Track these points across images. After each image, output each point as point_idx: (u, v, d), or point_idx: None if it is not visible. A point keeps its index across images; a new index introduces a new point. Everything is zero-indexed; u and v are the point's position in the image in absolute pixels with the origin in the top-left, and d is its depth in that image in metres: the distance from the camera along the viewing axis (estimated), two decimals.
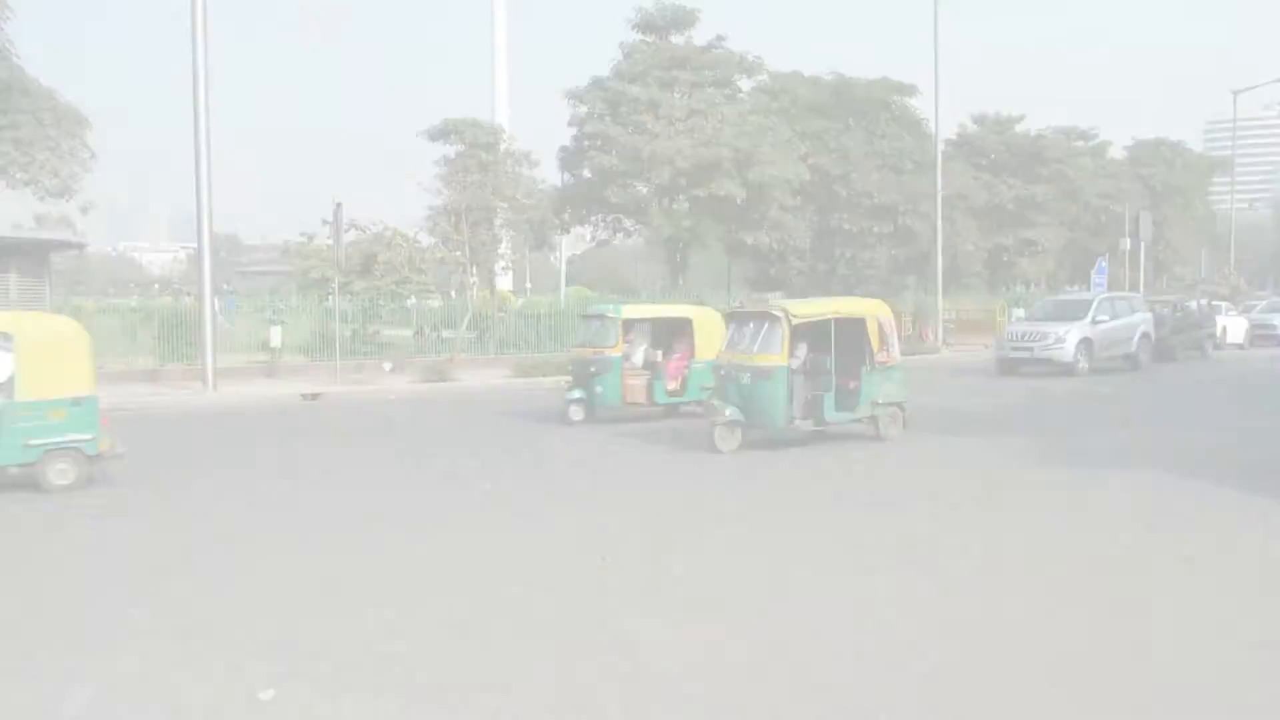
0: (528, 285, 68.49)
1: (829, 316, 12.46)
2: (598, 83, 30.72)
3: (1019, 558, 7.14)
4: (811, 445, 12.40)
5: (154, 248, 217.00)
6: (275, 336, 24.79)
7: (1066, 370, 22.15)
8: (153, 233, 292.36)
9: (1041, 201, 44.85)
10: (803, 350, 12.24)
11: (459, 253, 27.23)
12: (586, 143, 31.00)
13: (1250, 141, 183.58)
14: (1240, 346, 31.63)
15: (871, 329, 12.50)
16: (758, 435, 12.21)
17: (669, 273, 34.94)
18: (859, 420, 12.66)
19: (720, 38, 31.38)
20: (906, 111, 35.97)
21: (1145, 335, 24.12)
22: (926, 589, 6.29)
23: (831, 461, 11.67)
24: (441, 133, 30.83)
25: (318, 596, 6.30)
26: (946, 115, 33.20)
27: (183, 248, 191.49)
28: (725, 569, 6.89)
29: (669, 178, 28.88)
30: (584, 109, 30.89)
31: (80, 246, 53.59)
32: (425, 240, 28.08)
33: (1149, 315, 24.52)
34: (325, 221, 25.60)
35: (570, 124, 31.49)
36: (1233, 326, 31.69)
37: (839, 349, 12.37)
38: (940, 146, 32.88)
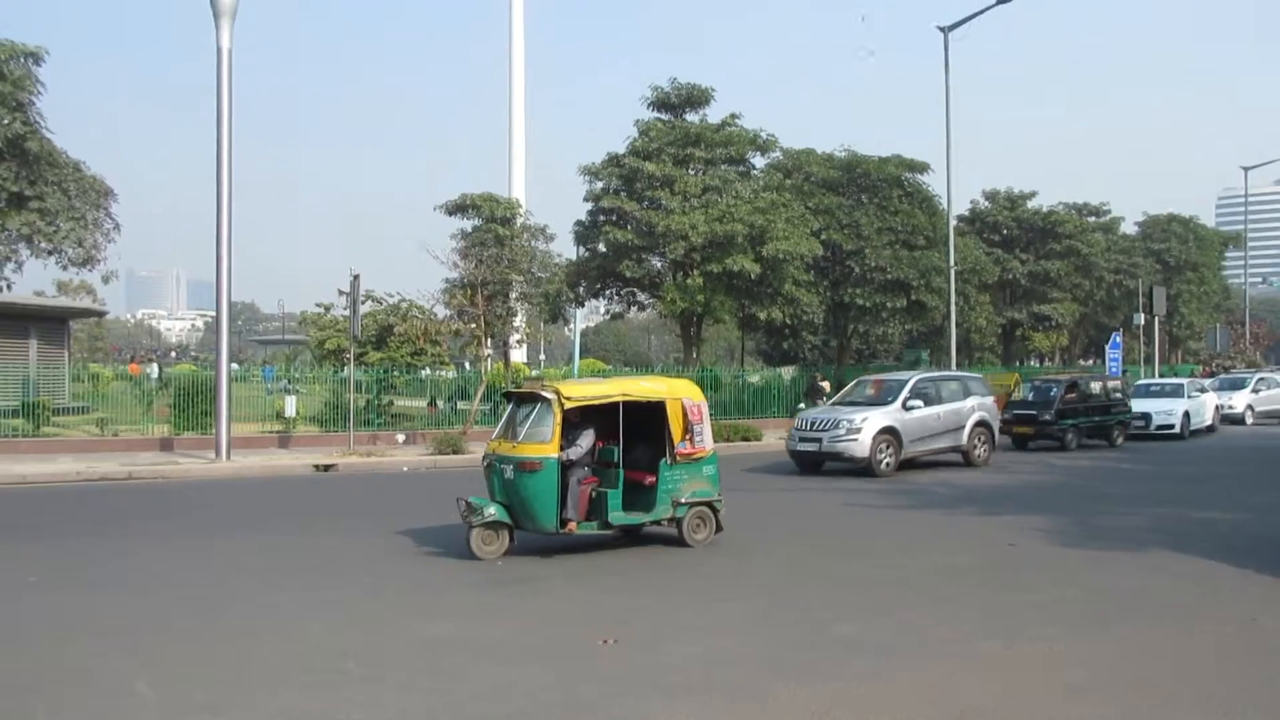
0: (541, 357, 68.85)
1: (614, 399, 10.57)
2: (613, 159, 31.16)
3: None
4: (591, 553, 10.55)
5: (172, 315, 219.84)
6: (290, 406, 24.94)
7: (864, 469, 18.37)
8: (171, 300, 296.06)
9: (1054, 276, 44.98)
10: (587, 439, 10.48)
11: (474, 325, 27.42)
12: (602, 218, 31.35)
13: (1262, 216, 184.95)
14: (1210, 428, 29.37)
15: (672, 414, 10.61)
16: (534, 539, 10.59)
17: (682, 346, 35.02)
18: (658, 522, 10.80)
19: (734, 116, 31.87)
20: (919, 188, 36.29)
21: (982, 424, 20.37)
22: None
23: (603, 578, 9.43)
24: (459, 207, 31.30)
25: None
26: (958, 192, 33.60)
27: (200, 315, 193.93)
28: None
29: (683, 252, 29.12)
30: (600, 185, 31.29)
31: (100, 314, 54.54)
32: (441, 312, 28.31)
33: (989, 400, 21.03)
34: (342, 292, 25.90)
35: (586, 199, 31.91)
36: (1196, 406, 28.85)
37: (635, 437, 10.83)
38: (953, 222, 33.12)
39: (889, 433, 18.69)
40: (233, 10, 20.31)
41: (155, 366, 52.91)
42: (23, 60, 21.88)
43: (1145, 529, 12.02)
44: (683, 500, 10.70)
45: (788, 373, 37.78)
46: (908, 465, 19.35)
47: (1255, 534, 11.65)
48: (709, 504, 10.92)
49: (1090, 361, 61.36)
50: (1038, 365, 56.89)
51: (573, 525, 10.22)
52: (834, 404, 21.02)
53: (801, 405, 30.24)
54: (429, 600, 8.57)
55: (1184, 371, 48.31)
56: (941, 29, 30.53)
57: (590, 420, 10.59)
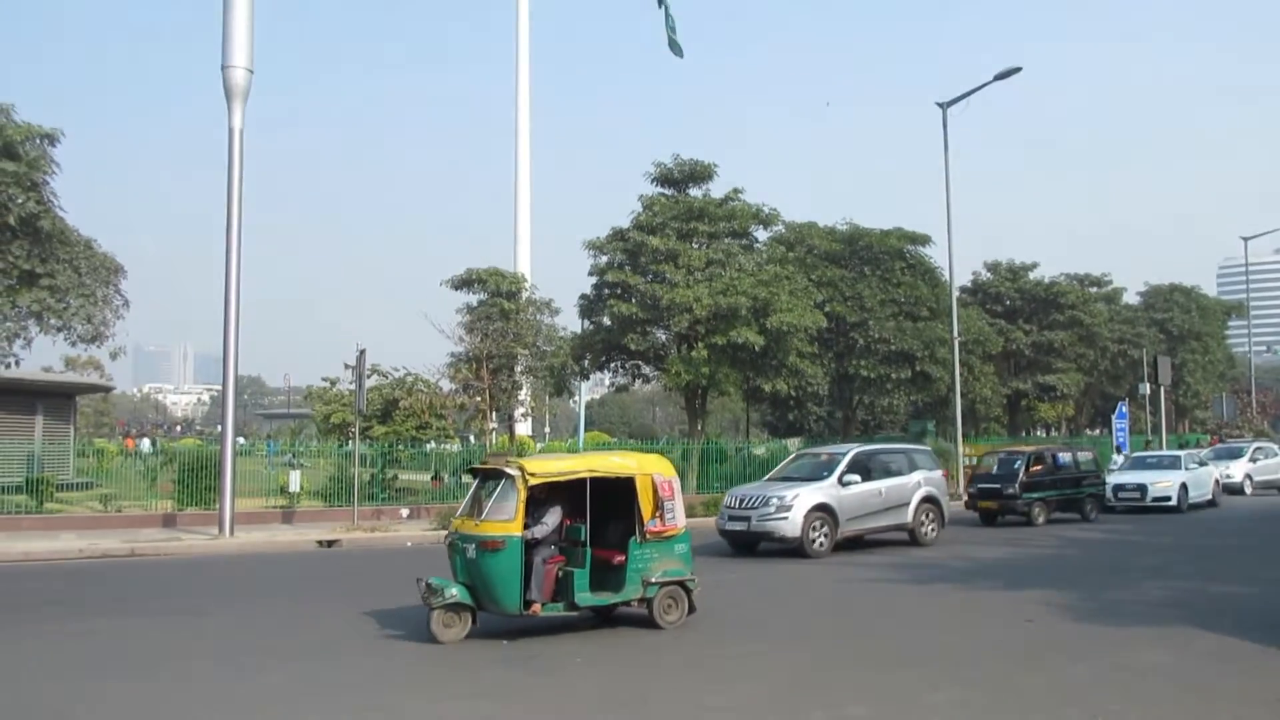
0: (547, 430, 68.74)
1: (581, 475, 10.17)
2: (618, 233, 31.46)
3: None
4: (558, 635, 10.15)
5: (178, 389, 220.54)
6: (294, 481, 24.84)
7: (796, 549, 17.09)
8: (178, 374, 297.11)
9: (1058, 347, 45.05)
10: (553, 516, 10.14)
11: (479, 399, 27.44)
12: (606, 291, 31.55)
13: (1264, 285, 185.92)
14: (1210, 502, 27.80)
15: (642, 490, 10.27)
16: (497, 621, 10.17)
17: (687, 418, 34.97)
18: (627, 603, 10.40)
19: (737, 190, 32.24)
20: (921, 260, 36.58)
21: (929, 500, 19.06)
22: None
23: (564, 668, 8.84)
24: (465, 282, 31.55)
25: None
26: (960, 263, 33.78)
27: (206, 389, 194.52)
28: None
29: (687, 325, 29.24)
30: (604, 259, 31.56)
31: (107, 390, 54.74)
32: (446, 386, 28.38)
33: (936, 474, 19.73)
34: (348, 366, 26.00)
35: (591, 273, 32.14)
36: (1194, 478, 27.44)
37: (604, 515, 10.46)
38: (955, 294, 33.30)
39: (823, 510, 17.45)
40: (245, 92, 20.74)
41: (147, 441, 52.99)
42: (38, 141, 22.30)
43: (1160, 603, 11.85)
44: (653, 580, 10.28)
45: (793, 444, 37.66)
46: (851, 545, 18.24)
47: (1268, 608, 11.47)
48: (681, 583, 10.52)
49: (1097, 432, 61.11)
50: (1044, 435, 56.63)
51: (537, 607, 9.81)
52: (769, 479, 19.86)
53: None
54: (440, 678, 8.44)
55: (1191, 441, 48.06)
56: (940, 105, 31.07)
57: (557, 497, 10.24)
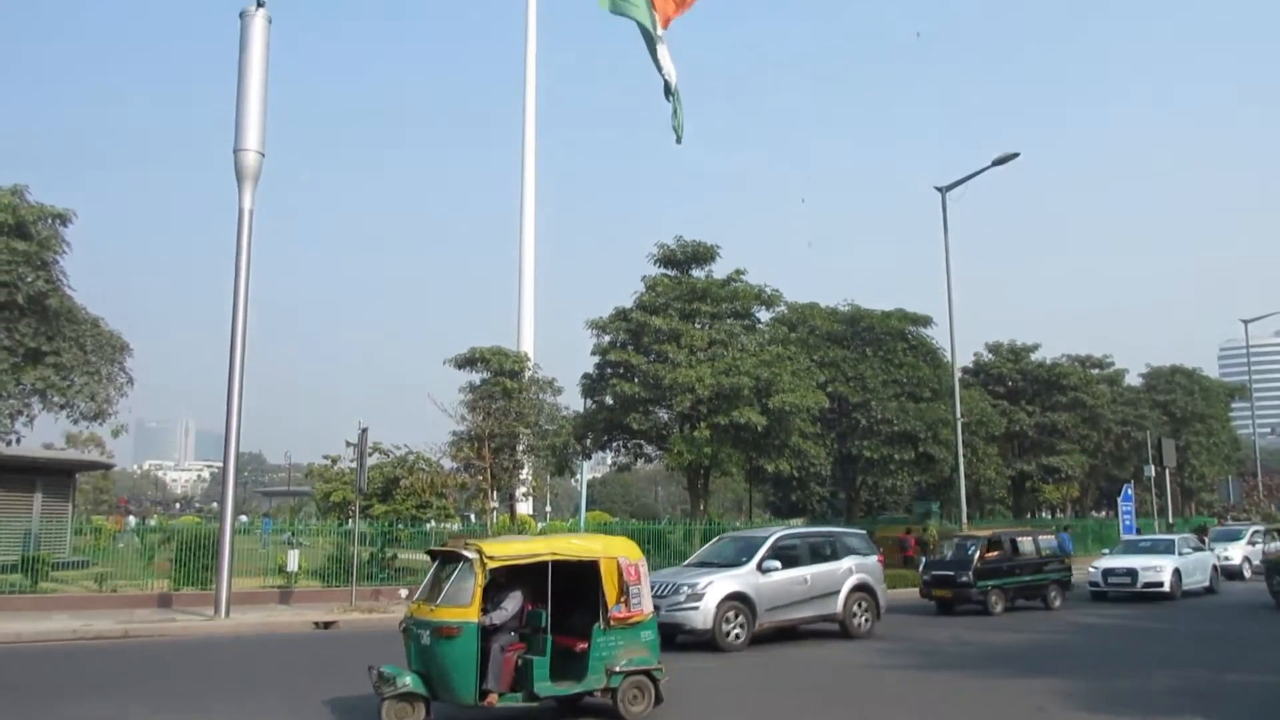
0: (548, 510, 68.29)
1: (543, 558, 9.78)
2: (621, 313, 31.71)
3: None
4: None
5: (179, 466, 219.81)
6: (293, 560, 24.59)
7: (708, 642, 15.69)
8: (179, 451, 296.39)
9: (1062, 428, 44.94)
10: (513, 602, 9.76)
11: (480, 478, 27.32)
12: (609, 370, 31.68)
13: (1265, 367, 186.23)
14: (1209, 589, 26.80)
15: (606, 574, 9.91)
16: (453, 712, 9.72)
17: (689, 498, 34.76)
18: (591, 693, 9.94)
19: (739, 272, 32.59)
20: (922, 341, 36.77)
21: (861, 589, 17.74)
22: None
23: None
24: (468, 361, 31.66)
25: None
26: (961, 344, 33.94)
27: (207, 466, 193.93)
28: None
29: (690, 405, 29.27)
30: (607, 339, 31.76)
31: (107, 467, 54.55)
32: (447, 465, 28.26)
33: (870, 560, 18.45)
34: (349, 444, 25.91)
35: (593, 353, 32.32)
36: (1189, 564, 26.36)
37: (567, 600, 10.05)
38: (957, 374, 33.37)
39: (738, 600, 15.99)
40: (256, 174, 21.09)
41: (132, 519, 52.74)
42: (50, 221, 22.63)
43: None
44: (618, 669, 9.81)
45: (796, 525, 37.36)
46: (778, 637, 16.97)
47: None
48: (647, 672, 10.02)
49: (1103, 514, 60.64)
50: (1049, 517, 56.17)
51: (493, 698, 9.35)
52: (686, 564, 18.87)
53: None
54: None
55: (1197, 524, 47.63)
56: (939, 189, 31.52)
57: (518, 581, 9.83)
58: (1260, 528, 36.05)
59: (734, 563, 16.92)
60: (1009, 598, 22.52)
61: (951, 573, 22.21)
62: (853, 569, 17.88)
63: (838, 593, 17.48)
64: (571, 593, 10.09)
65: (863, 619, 17.71)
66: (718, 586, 16.05)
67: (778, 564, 16.84)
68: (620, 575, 9.98)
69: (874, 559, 18.70)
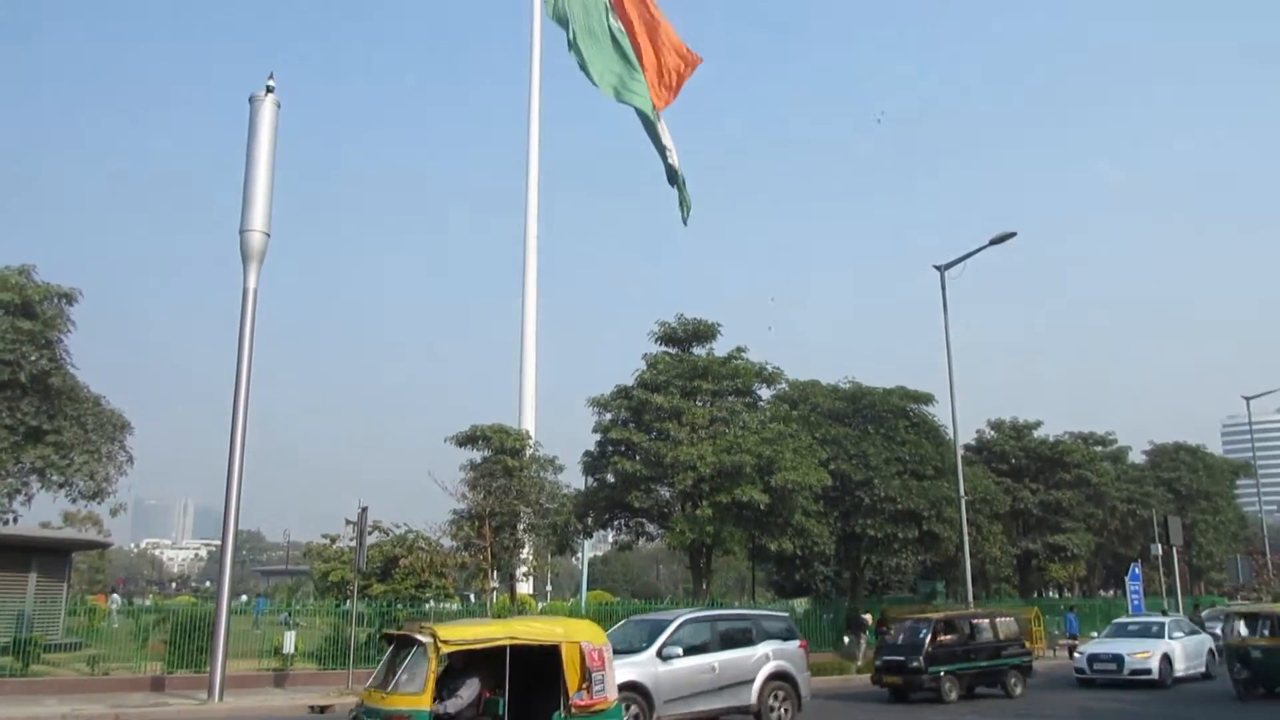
0: (548, 589, 67.41)
1: (501, 642, 9.32)
2: (622, 391, 31.75)
3: None
4: None
5: (176, 544, 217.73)
6: (289, 642, 24.24)
7: None
8: (177, 529, 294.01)
9: (1066, 506, 44.59)
10: (469, 689, 9.35)
11: (480, 557, 27.06)
12: (610, 448, 31.59)
13: (1269, 444, 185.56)
14: (1205, 675, 25.51)
15: (568, 659, 9.50)
16: None
17: (692, 577, 34.37)
18: None
19: (740, 349, 32.72)
20: (924, 418, 36.71)
21: (779, 677, 16.66)
22: None
23: None
24: (469, 439, 31.59)
25: None
26: (963, 421, 33.90)
27: (204, 544, 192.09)
28: None
29: (691, 483, 29.12)
30: (608, 416, 31.74)
31: (104, 546, 54.01)
32: (447, 543, 28.01)
33: (790, 646, 17.31)
34: (349, 522, 25.73)
35: (595, 430, 32.26)
36: (1181, 648, 25.03)
37: (526, 686, 9.60)
38: (960, 452, 33.23)
39: (633, 690, 14.61)
40: (261, 254, 21.35)
41: (116, 597, 52.10)
42: (56, 300, 22.86)
43: None
44: None
45: (801, 605, 36.82)
46: None
47: None
48: None
49: (1111, 593, 59.83)
50: (1056, 597, 55.43)
51: None
52: None
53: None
54: None
55: (1206, 603, 46.98)
56: (938, 268, 31.79)
57: (476, 667, 9.42)
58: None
59: (633, 649, 15.52)
60: (965, 684, 21.51)
61: (902, 658, 21.20)
62: (769, 655, 16.75)
63: (751, 682, 16.31)
64: (533, 679, 9.66)
65: (781, 710, 16.56)
66: (618, 675, 15.07)
67: (679, 650, 15.61)
68: (583, 661, 9.55)
69: (795, 645, 17.55)
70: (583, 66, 37.93)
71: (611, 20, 39.06)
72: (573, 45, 37.86)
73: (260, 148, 21.33)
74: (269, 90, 21.40)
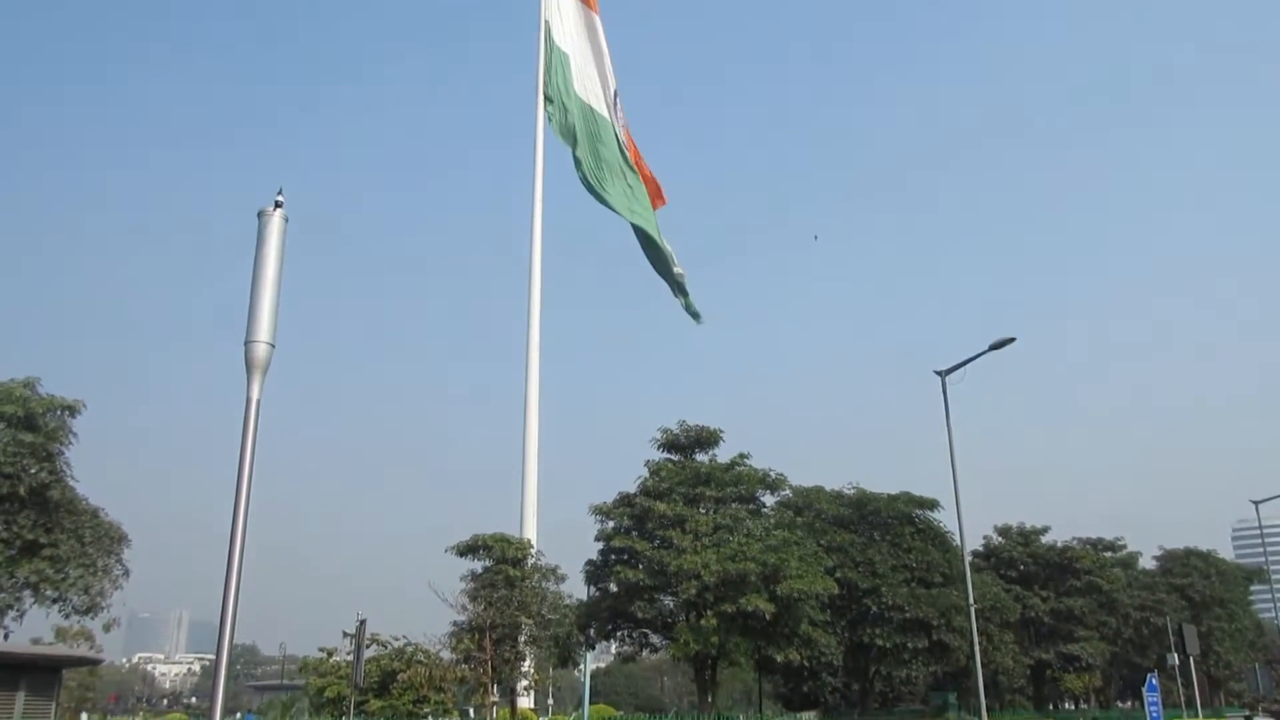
0: (550, 703, 65.66)
1: None
2: (625, 499, 31.52)
3: None
4: None
5: (169, 659, 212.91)
6: None
7: None
8: (171, 643, 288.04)
9: (1078, 614, 43.76)
10: None
11: (481, 670, 26.42)
12: (613, 557, 31.20)
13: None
14: None
15: None
16: None
17: (696, 689, 33.49)
18: None
19: (743, 455, 32.58)
20: (930, 524, 36.35)
21: None
22: None
23: None
24: (470, 548, 31.21)
25: None
26: (970, 527, 33.50)
27: (198, 659, 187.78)
28: None
29: (695, 592, 28.65)
30: (611, 524, 31.43)
31: (96, 663, 52.71)
32: (447, 656, 27.38)
33: None
34: (346, 635, 25.24)
35: (597, 539, 31.92)
36: None
37: None
38: (968, 558, 32.79)
39: None
40: (265, 365, 21.31)
41: (85, 716, 50.72)
42: (59, 413, 22.90)
43: None
44: None
45: (809, 719, 35.82)
46: None
47: None
48: None
49: (1128, 705, 58.17)
50: (1072, 709, 53.90)
51: None
52: None
53: None
54: None
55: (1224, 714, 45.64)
56: (939, 373, 31.87)
57: None
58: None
59: None
60: None
61: None
62: None
63: None
64: None
65: None
66: None
67: None
68: None
69: None
70: (590, 186, 38.45)
71: (619, 131, 40.02)
72: (580, 163, 38.49)
73: (268, 260, 21.52)
74: (278, 205, 21.86)
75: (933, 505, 36.47)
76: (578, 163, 38.53)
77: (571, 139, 38.38)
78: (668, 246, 40.54)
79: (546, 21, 38.09)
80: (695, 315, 42.16)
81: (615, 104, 40.79)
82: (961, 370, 31.77)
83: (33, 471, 21.69)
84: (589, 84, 39.89)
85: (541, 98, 36.92)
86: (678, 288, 40.97)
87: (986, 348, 30.64)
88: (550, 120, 39.35)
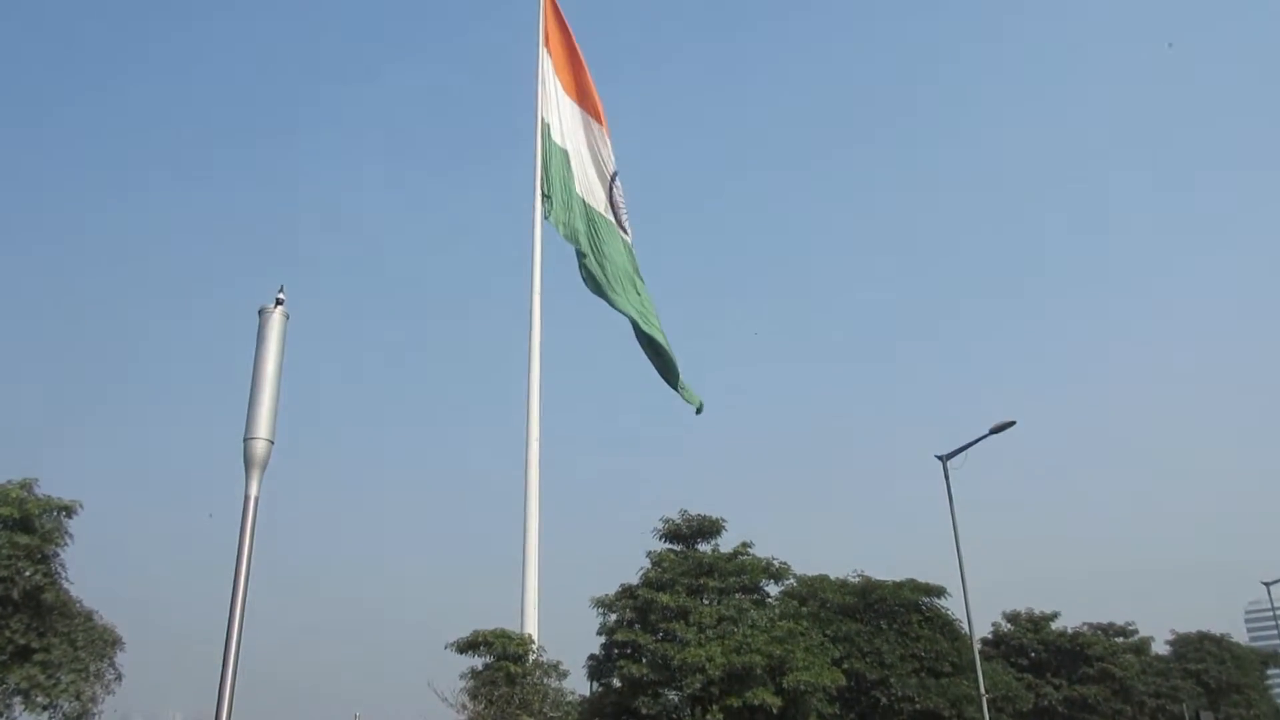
0: None
1: None
2: (627, 590, 31.12)
3: None
4: None
5: None
6: None
7: None
8: None
9: (1092, 703, 42.85)
10: None
11: None
12: (616, 651, 30.64)
13: None
14: None
15: None
16: None
17: None
18: None
19: (746, 545, 32.24)
20: (938, 612, 35.80)
21: None
22: None
23: None
24: (470, 645, 30.68)
25: None
26: (978, 613, 33.04)
27: None
28: None
29: (700, 686, 28.06)
30: (613, 617, 30.97)
31: None
32: None
33: None
34: None
35: (599, 632, 31.40)
36: None
37: None
38: (977, 646, 32.24)
39: None
40: (264, 462, 21.27)
41: None
42: (56, 514, 22.69)
43: None
44: None
45: None
46: None
47: None
48: None
49: None
50: None
51: None
52: None
53: None
54: None
55: None
56: (940, 458, 31.85)
57: None
58: None
59: None
60: None
61: None
62: None
63: None
64: None
65: None
66: None
67: None
68: None
69: None
70: (595, 288, 38.12)
71: (625, 236, 40.17)
72: (583, 260, 38.35)
73: (268, 358, 21.64)
74: (279, 303, 22.03)
75: (939, 593, 35.99)
76: (581, 260, 38.67)
77: (574, 238, 38.46)
78: (674, 356, 40.34)
79: (545, 121, 38.59)
80: (697, 406, 41.97)
81: (612, 189, 40.83)
82: (963, 454, 31.75)
83: (27, 574, 21.40)
84: (590, 184, 40.17)
85: (539, 196, 37.25)
86: (679, 385, 40.77)
87: (987, 431, 30.69)
88: (548, 217, 39.77)
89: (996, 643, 44.77)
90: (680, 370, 40.76)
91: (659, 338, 38.95)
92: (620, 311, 38.80)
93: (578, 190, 38.91)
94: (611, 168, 41.09)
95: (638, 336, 41.40)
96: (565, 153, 39.51)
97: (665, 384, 39.58)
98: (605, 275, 38.13)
